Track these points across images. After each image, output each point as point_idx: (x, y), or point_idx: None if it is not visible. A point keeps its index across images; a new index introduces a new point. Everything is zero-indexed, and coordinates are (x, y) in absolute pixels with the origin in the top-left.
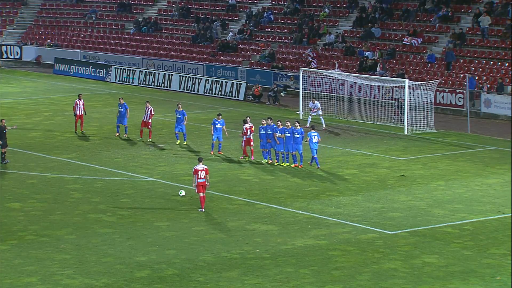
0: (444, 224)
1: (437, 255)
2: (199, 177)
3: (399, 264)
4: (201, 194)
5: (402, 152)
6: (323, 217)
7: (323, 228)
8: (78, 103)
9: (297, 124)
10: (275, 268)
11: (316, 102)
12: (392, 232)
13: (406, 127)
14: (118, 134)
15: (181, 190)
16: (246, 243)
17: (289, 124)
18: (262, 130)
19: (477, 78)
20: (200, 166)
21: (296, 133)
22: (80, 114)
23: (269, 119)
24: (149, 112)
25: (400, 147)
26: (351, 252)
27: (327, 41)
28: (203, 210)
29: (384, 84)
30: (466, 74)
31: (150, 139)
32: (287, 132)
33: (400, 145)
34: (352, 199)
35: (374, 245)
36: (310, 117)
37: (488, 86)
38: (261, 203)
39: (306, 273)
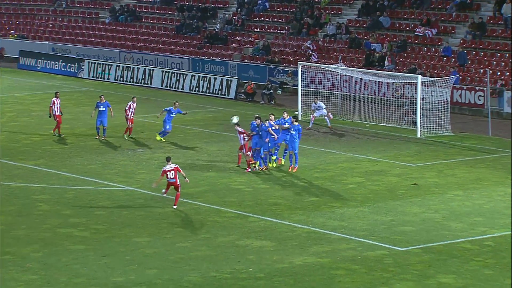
0: (462, 240)
1: (454, 275)
2: (169, 177)
3: (411, 285)
4: (165, 194)
5: (414, 158)
6: (325, 231)
7: (325, 244)
8: (56, 102)
9: (293, 119)
10: None
11: (318, 102)
12: (403, 249)
13: (418, 130)
14: (98, 136)
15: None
16: (237, 261)
17: (286, 115)
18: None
19: (499, 73)
20: (169, 166)
21: (292, 129)
22: (58, 114)
23: (257, 119)
24: (133, 108)
25: (412, 152)
26: (356, 271)
27: (329, 32)
28: (175, 207)
29: (394, 81)
30: (486, 69)
31: (129, 135)
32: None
33: (412, 149)
34: (358, 211)
35: (383, 263)
36: (312, 119)
37: (503, 82)
38: (255, 215)
39: None
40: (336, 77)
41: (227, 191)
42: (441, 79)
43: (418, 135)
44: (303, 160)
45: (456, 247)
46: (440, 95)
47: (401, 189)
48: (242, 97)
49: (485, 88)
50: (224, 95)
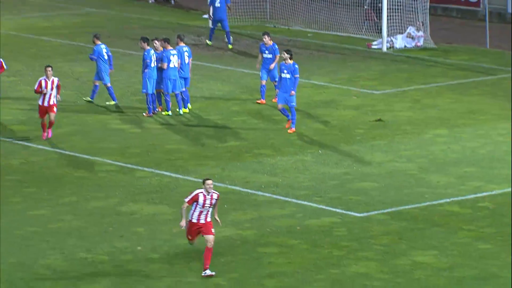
0: (447, 200)
1: (436, 251)
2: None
3: (373, 267)
4: None
5: (378, 82)
6: (249, 190)
7: (248, 209)
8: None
9: (286, 55)
10: (170, 277)
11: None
12: (362, 214)
13: (384, 40)
14: None
15: None
16: (120, 235)
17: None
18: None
19: None
20: None
21: (285, 71)
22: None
23: (158, 40)
24: (54, 86)
25: (375, 73)
26: (294, 247)
27: None
28: None
29: None
30: None
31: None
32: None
33: (375, 69)
34: (297, 160)
35: (333, 236)
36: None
37: None
38: (145, 168)
39: (221, 285)
40: None
41: (103, 133)
42: None
43: (384, 49)
44: (217, 87)
45: (439, 211)
46: None
47: (359, 127)
48: None
49: None
50: None
